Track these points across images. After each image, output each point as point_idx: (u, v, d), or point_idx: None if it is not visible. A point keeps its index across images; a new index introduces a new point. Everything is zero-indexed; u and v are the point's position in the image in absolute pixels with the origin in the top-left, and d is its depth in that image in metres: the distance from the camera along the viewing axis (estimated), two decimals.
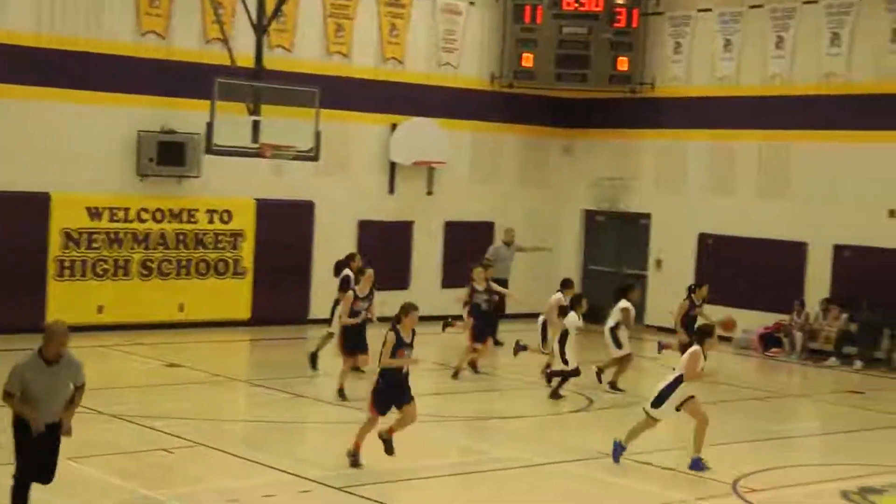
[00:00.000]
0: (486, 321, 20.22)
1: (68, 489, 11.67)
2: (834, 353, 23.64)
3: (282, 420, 16.45)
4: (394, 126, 26.28)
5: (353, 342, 17.61)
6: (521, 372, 20.20)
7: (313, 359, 19.81)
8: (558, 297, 19.73)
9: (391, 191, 26.64)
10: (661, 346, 20.56)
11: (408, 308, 13.60)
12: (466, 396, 18.84)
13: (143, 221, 23.23)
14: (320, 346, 19.85)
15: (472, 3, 27.41)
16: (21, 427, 10.52)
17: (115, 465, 13.24)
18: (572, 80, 27.51)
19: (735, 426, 16.86)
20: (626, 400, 18.05)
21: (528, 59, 27.52)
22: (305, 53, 25.06)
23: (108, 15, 22.81)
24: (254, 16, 22.78)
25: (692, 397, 13.94)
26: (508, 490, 13.16)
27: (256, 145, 22.03)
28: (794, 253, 25.13)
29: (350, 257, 20.19)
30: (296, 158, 22.75)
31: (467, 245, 26.13)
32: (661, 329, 24.70)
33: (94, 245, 22.74)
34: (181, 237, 23.70)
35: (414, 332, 13.52)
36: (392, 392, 13.35)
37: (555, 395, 18.35)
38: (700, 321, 18.08)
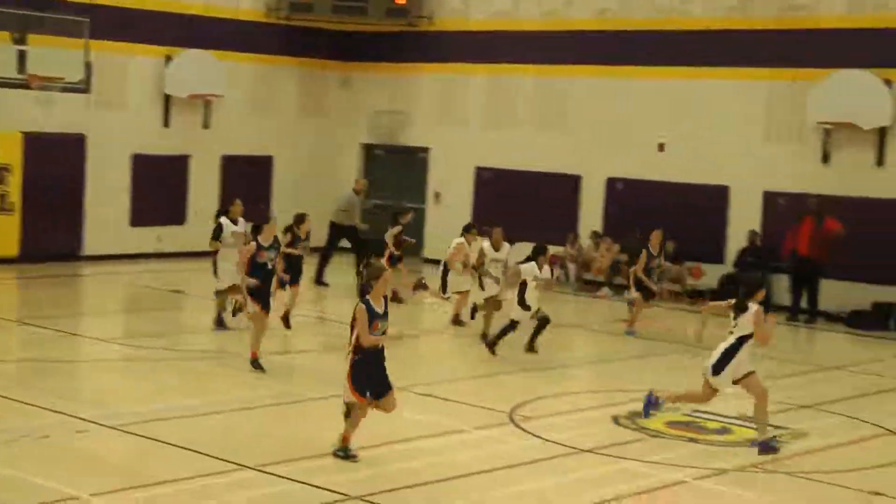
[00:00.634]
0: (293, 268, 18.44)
1: None
2: (606, 284, 24.30)
3: (52, 359, 15.96)
4: (169, 58, 25.67)
5: (264, 298, 15.41)
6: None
7: (220, 321, 17.89)
8: (460, 241, 19.21)
9: (166, 124, 26.06)
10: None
11: (376, 271, 11.28)
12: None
13: None
14: (221, 306, 17.93)
15: None
16: None
17: None
18: (350, 13, 27.30)
19: (510, 356, 17.06)
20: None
21: None
22: None
23: None
24: None
25: (752, 372, 12.22)
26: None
27: (23, 76, 21.36)
28: (568, 185, 25.64)
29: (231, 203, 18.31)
30: (65, 90, 22.20)
31: (245, 179, 25.79)
32: (436, 262, 24.29)
33: None
34: None
35: (386, 299, 11.35)
36: (371, 369, 11.27)
37: (491, 345, 17.19)
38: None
